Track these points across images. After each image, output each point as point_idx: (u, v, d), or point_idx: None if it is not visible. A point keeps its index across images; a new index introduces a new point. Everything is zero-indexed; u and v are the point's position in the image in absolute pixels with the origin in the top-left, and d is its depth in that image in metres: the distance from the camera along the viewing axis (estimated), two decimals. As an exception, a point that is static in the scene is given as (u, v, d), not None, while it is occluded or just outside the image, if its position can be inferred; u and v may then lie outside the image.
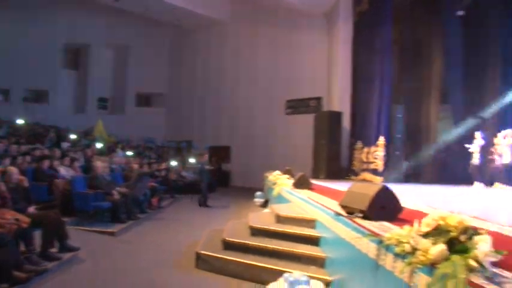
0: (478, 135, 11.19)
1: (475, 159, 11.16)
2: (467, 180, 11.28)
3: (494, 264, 2.11)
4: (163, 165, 16.22)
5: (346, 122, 15.10)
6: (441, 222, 2.25)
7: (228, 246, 5.58)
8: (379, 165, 12.75)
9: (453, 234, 2.17)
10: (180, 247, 6.76)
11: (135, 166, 12.52)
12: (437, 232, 2.24)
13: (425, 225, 2.32)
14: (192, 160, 18.93)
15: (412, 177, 12.98)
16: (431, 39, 13.57)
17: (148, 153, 20.30)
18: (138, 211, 9.71)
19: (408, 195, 6.98)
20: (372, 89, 13.54)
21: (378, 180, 12.72)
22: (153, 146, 22.88)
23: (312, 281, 4.09)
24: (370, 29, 13.91)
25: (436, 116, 13.31)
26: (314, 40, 18.14)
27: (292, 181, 8.76)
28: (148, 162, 15.50)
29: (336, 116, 14.76)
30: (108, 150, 16.20)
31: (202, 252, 5.54)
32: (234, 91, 21.19)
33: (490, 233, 3.27)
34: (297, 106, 19.01)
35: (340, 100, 15.58)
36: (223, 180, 20.10)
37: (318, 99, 18.01)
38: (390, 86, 13.02)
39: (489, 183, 11.00)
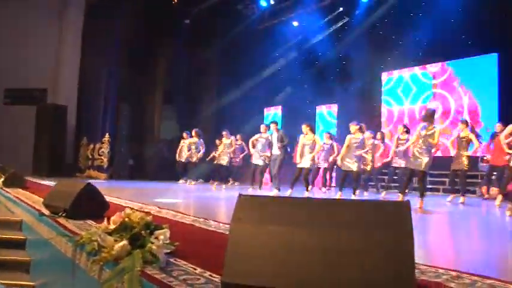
0: (185, 135, 12.30)
1: (182, 158, 12.20)
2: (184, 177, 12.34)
3: (171, 254, 2.36)
4: None
5: (71, 117, 14.42)
6: (126, 219, 2.40)
7: None
8: (105, 161, 12.71)
9: (136, 230, 2.34)
10: None
11: None
12: (122, 228, 2.37)
13: (113, 223, 2.43)
14: None
15: (137, 173, 13.35)
16: (160, 42, 14.21)
17: None
18: None
19: (126, 191, 7.17)
20: (99, 85, 13.38)
21: (103, 177, 12.68)
22: None
23: (10, 289, 3.79)
24: (101, 22, 13.67)
25: (160, 115, 14.00)
26: (43, 26, 16.61)
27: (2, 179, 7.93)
28: None
29: (61, 110, 13.99)
30: None
31: None
32: None
33: (179, 223, 3.67)
34: (18, 96, 17.11)
35: (66, 93, 14.77)
36: None
37: (43, 90, 16.64)
38: (117, 83, 13.11)
39: (195, 179, 12.23)
